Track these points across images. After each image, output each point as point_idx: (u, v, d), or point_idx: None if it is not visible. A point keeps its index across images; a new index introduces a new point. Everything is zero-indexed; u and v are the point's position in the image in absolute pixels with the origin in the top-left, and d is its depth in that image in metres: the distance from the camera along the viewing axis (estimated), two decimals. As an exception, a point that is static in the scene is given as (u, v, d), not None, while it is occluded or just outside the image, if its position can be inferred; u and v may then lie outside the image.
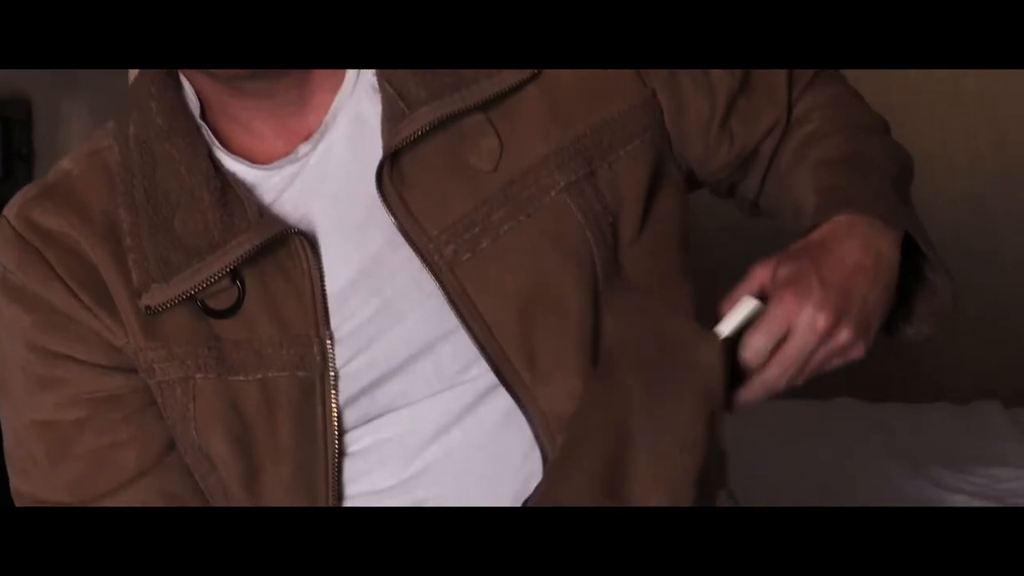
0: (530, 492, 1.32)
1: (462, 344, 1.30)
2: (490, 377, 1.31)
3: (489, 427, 1.32)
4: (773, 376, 1.26)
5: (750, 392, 1.27)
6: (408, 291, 1.30)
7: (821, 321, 1.24)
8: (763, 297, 1.27)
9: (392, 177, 1.29)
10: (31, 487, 1.36)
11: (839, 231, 1.30)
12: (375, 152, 1.30)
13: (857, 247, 1.28)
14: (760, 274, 1.28)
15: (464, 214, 1.30)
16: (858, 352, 1.27)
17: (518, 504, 1.32)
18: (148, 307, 1.29)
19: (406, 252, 1.30)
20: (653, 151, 1.35)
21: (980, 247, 3.12)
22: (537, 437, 1.31)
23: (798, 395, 2.34)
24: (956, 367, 3.12)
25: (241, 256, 1.28)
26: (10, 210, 1.35)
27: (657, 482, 1.29)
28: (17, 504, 1.37)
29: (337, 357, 1.30)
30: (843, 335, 1.25)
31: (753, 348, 1.25)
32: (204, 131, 1.34)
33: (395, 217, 1.29)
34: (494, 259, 1.30)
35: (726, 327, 1.26)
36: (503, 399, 1.31)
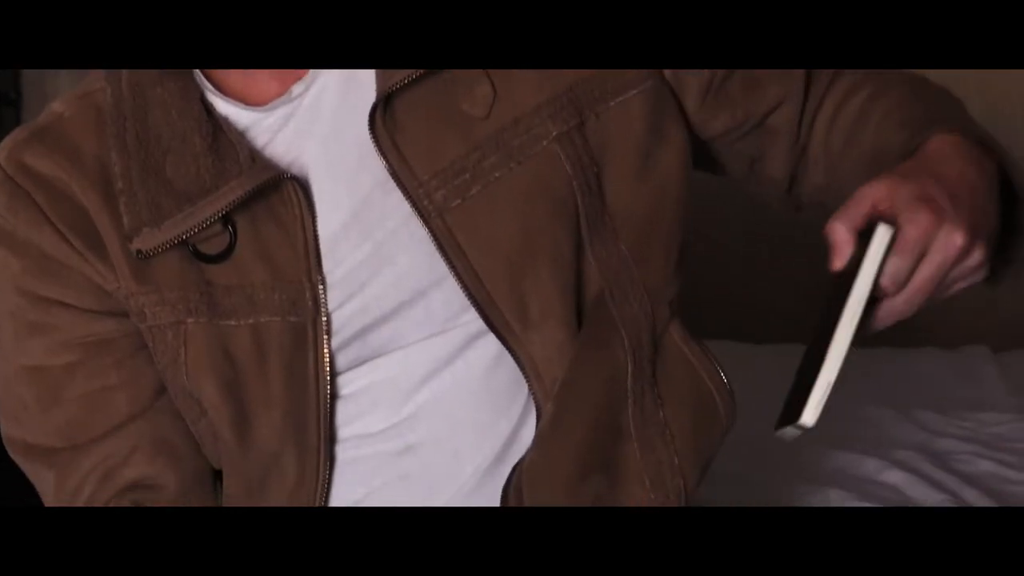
0: (519, 436, 1.33)
1: (453, 291, 1.30)
2: (481, 323, 1.31)
3: (479, 371, 1.32)
4: (908, 300, 1.17)
5: (883, 319, 1.19)
6: (399, 236, 1.30)
7: (958, 239, 1.15)
8: (876, 219, 1.16)
9: (385, 120, 1.29)
10: (22, 432, 1.36)
11: (946, 149, 1.23)
12: (368, 95, 1.30)
13: (970, 166, 1.22)
14: (871, 194, 1.17)
15: (455, 159, 1.29)
16: (981, 274, 1.20)
17: (508, 447, 1.33)
18: (139, 251, 1.29)
19: (397, 196, 1.29)
20: (649, 104, 1.34)
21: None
22: (528, 381, 1.31)
23: (787, 340, 2.35)
24: (944, 312, 3.11)
25: (232, 202, 1.28)
26: (0, 152, 1.34)
27: (646, 470, 1.33)
28: (9, 450, 1.37)
29: (329, 302, 1.30)
30: (976, 254, 1.17)
31: (893, 272, 1.15)
32: (196, 75, 1.33)
33: (386, 160, 1.29)
34: (484, 206, 1.29)
35: (845, 333, 1.14)
36: (493, 342, 1.32)
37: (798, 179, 1.42)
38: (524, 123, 1.30)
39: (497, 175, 1.30)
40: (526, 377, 1.31)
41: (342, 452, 1.34)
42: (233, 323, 1.30)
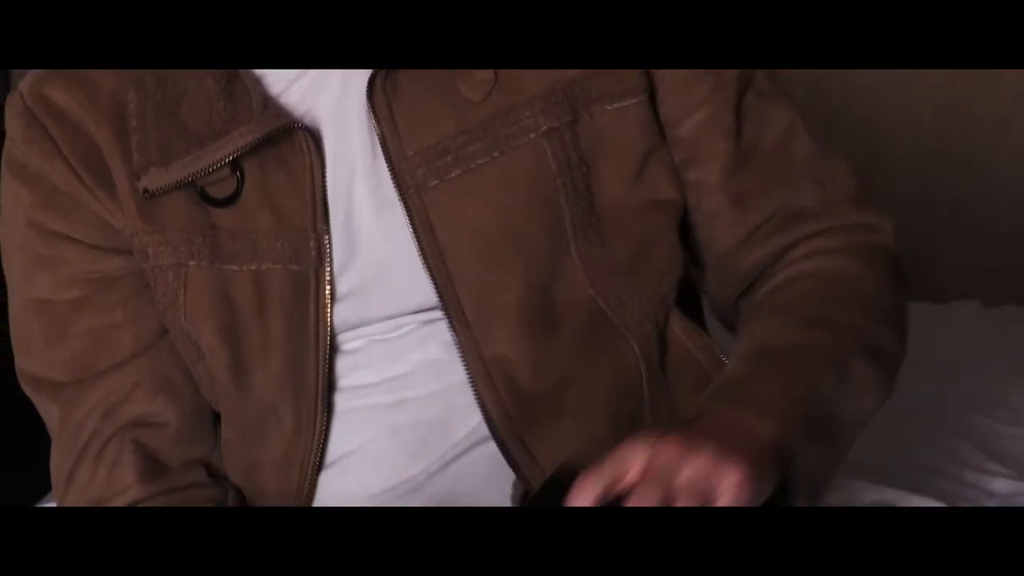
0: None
1: None
2: None
3: None
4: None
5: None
6: (397, 210, 1.30)
7: (671, 440, 1.05)
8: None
9: (385, 86, 1.29)
10: (31, 365, 1.38)
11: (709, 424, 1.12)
12: None
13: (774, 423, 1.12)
14: None
15: (440, 140, 1.29)
16: (737, 475, 1.04)
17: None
18: (146, 190, 1.30)
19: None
20: (647, 116, 1.32)
21: (959, 151, 3.12)
22: (470, 378, 1.29)
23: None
24: (935, 266, 3.13)
25: (241, 147, 1.28)
26: (25, 83, 1.35)
27: None
28: (20, 382, 1.39)
29: (335, 258, 1.30)
30: (703, 452, 1.04)
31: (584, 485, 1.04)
32: None
33: (380, 127, 1.29)
34: (462, 190, 1.29)
35: None
36: None
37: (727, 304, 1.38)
38: (515, 114, 1.29)
39: (480, 162, 1.29)
40: (468, 374, 1.29)
41: (339, 402, 1.34)
42: (235, 268, 1.31)
